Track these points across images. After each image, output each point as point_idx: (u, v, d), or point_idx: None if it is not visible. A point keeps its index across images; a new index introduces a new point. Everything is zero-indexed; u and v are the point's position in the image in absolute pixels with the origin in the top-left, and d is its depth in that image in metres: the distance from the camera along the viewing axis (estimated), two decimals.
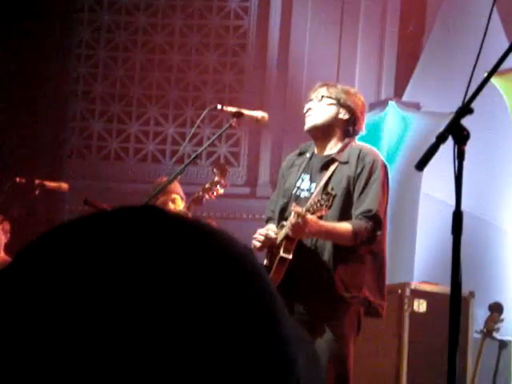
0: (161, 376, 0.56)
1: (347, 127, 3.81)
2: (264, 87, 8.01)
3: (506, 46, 2.82)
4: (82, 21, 8.18)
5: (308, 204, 3.62)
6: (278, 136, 7.96)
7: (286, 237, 3.66)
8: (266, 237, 3.77)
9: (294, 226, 3.56)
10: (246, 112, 4.16)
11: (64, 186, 5.19)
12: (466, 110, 2.54)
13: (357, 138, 3.90)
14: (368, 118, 7.15)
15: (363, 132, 3.92)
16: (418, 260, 6.60)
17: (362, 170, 3.71)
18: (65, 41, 7.81)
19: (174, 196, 5.12)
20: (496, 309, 5.08)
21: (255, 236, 3.81)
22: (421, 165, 2.56)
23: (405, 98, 7.19)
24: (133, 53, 8.22)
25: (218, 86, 8.15)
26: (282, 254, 3.63)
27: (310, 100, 3.85)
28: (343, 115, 3.79)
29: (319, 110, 3.80)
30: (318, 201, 3.56)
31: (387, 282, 6.46)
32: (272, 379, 0.58)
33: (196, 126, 4.71)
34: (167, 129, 8.15)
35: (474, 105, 2.64)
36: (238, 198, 8.03)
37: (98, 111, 8.17)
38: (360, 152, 3.75)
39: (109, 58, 8.23)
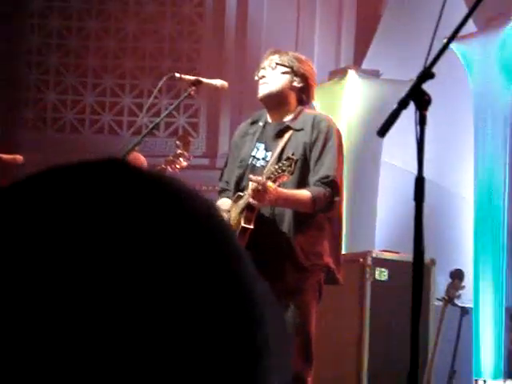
0: (119, 325, 0.54)
1: (301, 95, 3.79)
2: (222, 56, 7.92)
3: (465, 11, 2.78)
4: None
5: (268, 171, 3.57)
6: (237, 106, 7.89)
7: (246, 206, 3.61)
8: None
9: (256, 195, 3.51)
10: (204, 80, 4.09)
11: (19, 158, 5.08)
12: (427, 74, 2.50)
13: (310, 105, 3.88)
14: (328, 86, 7.13)
15: (314, 100, 3.91)
16: (380, 228, 6.60)
17: (317, 136, 3.69)
18: (16, 12, 7.63)
19: None
20: (457, 275, 5.09)
21: None
22: (382, 131, 2.52)
23: (364, 65, 7.15)
24: (87, 22, 8.07)
25: (175, 55, 8.04)
26: (243, 224, 3.59)
27: (263, 68, 3.80)
28: (297, 83, 3.76)
29: (273, 77, 3.76)
30: (280, 167, 3.51)
31: (349, 250, 6.47)
32: (238, 338, 0.57)
33: (153, 95, 4.61)
34: (124, 99, 8.03)
35: (434, 71, 2.60)
36: (197, 169, 7.95)
37: (52, 82, 8.02)
38: (314, 119, 3.74)
39: (63, 28, 8.07)
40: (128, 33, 8.07)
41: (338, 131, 3.78)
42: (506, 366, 5.42)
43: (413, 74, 2.64)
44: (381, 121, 2.55)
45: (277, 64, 3.76)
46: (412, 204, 2.49)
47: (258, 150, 3.80)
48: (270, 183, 3.49)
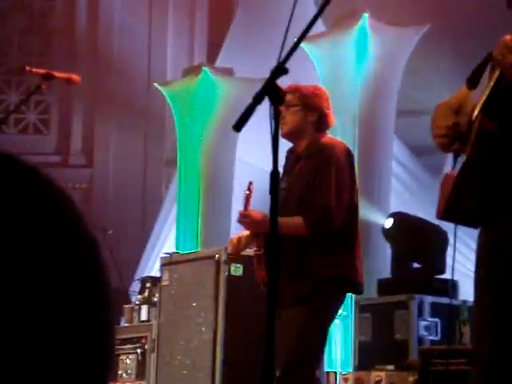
0: None
1: (318, 125, 4.01)
2: (73, 52, 7.80)
3: (315, 10, 2.86)
4: None
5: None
6: (89, 103, 7.79)
7: (252, 235, 3.92)
8: (236, 241, 4.01)
9: (243, 224, 3.89)
10: (56, 74, 4.03)
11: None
12: (280, 69, 2.56)
13: (327, 131, 4.06)
14: (181, 85, 7.13)
15: (334, 124, 4.05)
16: (236, 224, 6.68)
17: (315, 165, 3.90)
18: None
19: None
20: None
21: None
22: (238, 125, 2.55)
23: (218, 63, 7.21)
24: None
25: (25, 49, 7.84)
26: (254, 252, 3.92)
27: None
28: (312, 117, 4.00)
29: (289, 118, 3.98)
30: (246, 195, 3.85)
31: (205, 247, 6.49)
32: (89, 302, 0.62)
33: None
34: None
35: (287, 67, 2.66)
36: (48, 167, 7.79)
37: None
38: (318, 147, 3.93)
39: None
40: None
41: (340, 157, 3.91)
42: (354, 358, 5.62)
43: (266, 72, 2.68)
44: (233, 117, 2.59)
45: (289, 105, 3.96)
46: (266, 199, 2.54)
47: (284, 182, 3.97)
48: (252, 212, 3.82)
